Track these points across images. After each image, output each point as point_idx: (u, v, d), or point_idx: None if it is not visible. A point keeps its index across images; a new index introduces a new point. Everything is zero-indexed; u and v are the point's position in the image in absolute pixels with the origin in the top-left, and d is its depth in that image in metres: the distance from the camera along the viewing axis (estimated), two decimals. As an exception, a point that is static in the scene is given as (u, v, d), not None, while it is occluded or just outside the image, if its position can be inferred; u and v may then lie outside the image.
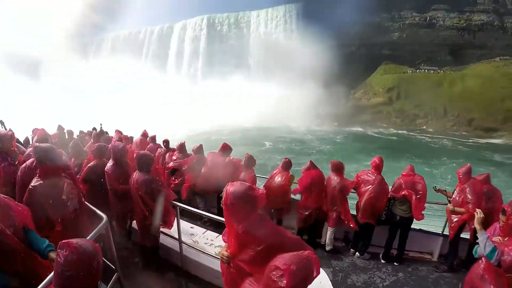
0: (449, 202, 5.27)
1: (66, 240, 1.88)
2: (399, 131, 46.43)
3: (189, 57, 65.69)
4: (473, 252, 3.40)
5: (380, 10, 57.36)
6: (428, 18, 57.12)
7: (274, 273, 1.72)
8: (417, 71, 54.49)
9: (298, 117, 49.04)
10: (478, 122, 44.13)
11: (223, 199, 2.27)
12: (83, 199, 3.65)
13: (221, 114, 49.50)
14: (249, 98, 52.78)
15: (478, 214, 3.57)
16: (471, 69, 51.18)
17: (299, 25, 61.51)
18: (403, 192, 5.32)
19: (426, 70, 54.12)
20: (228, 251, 2.40)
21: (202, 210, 6.31)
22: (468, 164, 5.33)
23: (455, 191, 5.30)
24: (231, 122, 47.04)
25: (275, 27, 63.19)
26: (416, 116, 47.96)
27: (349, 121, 49.80)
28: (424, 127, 46.62)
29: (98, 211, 3.49)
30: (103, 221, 3.17)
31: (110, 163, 4.79)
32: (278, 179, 6.09)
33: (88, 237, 2.70)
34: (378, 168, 5.54)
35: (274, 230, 2.28)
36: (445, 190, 5.63)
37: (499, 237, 3.38)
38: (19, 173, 3.74)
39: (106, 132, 10.57)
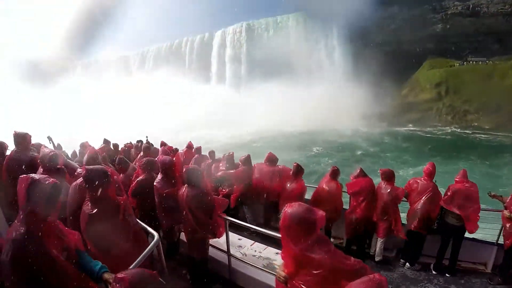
0: (505, 208, 5.02)
1: (122, 274, 2.00)
2: (451, 129, 45.08)
3: (231, 64, 67.00)
4: None
5: (420, 1, 55.47)
6: (471, 6, 54.23)
7: None
8: (465, 63, 52.28)
9: (344, 119, 48.37)
10: None
11: (280, 220, 2.27)
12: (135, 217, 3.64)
13: (265, 120, 49.61)
14: (292, 102, 52.60)
15: (507, 213, 3.70)
16: None
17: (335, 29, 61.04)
18: (455, 210, 5.17)
19: (474, 62, 51.87)
20: (285, 271, 2.36)
21: (249, 221, 6.71)
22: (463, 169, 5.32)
23: (511, 196, 5.02)
24: (275, 127, 47.31)
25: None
26: (466, 111, 46.38)
27: (397, 120, 49.08)
28: (476, 123, 44.85)
29: (149, 229, 3.55)
30: (155, 239, 3.24)
31: (159, 177, 4.83)
32: (327, 188, 6.07)
33: (140, 256, 2.83)
34: (430, 175, 5.47)
35: (333, 254, 2.20)
36: (501, 196, 5.29)
37: None
38: (70, 192, 3.75)
39: (152, 145, 10.62)
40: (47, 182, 2.37)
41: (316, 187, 6.38)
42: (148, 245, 3.12)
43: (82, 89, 67.64)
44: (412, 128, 47.18)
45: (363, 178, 5.83)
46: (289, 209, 2.24)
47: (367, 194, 5.69)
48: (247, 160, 6.95)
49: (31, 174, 2.43)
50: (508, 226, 4.87)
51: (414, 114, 49.44)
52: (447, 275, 5.49)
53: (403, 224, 5.76)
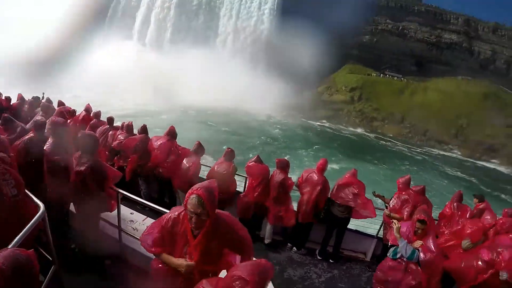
0: (386, 207, 5.64)
1: None
2: (358, 131, 47.22)
3: (156, 28, 62.69)
4: (391, 255, 4.04)
5: (356, 11, 56.02)
6: (401, 27, 58.29)
7: (237, 282, 1.69)
8: (381, 75, 55.62)
9: (259, 103, 47.53)
10: (432, 134, 46.14)
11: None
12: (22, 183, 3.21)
13: (180, 91, 46.93)
14: (211, 76, 50.81)
15: (396, 224, 4.29)
16: (433, 82, 52.73)
17: (273, 13, 60.25)
18: (341, 201, 5.51)
19: (390, 76, 55.48)
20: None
21: (144, 194, 6.63)
22: (408, 175, 5.74)
23: (393, 198, 5.60)
24: (190, 101, 44.75)
25: (248, 13, 61.30)
26: (373, 118, 48.75)
27: (310, 114, 49.72)
28: (380, 130, 47.47)
29: (34, 198, 3.17)
30: (40, 211, 2.87)
31: (49, 140, 4.35)
32: (220, 169, 6.03)
33: (24, 230, 2.49)
34: (322, 170, 5.74)
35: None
36: (383, 196, 5.97)
37: (419, 241, 3.95)
38: None
39: (51, 102, 9.60)
40: None
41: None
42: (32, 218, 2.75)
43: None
44: (323, 124, 48.37)
45: (261, 164, 5.95)
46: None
47: (262, 179, 5.77)
48: (144, 129, 6.80)
49: None
50: (388, 223, 5.42)
51: (327, 112, 50.68)
52: (330, 260, 5.80)
53: (295, 211, 5.87)
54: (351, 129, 47.66)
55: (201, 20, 61.88)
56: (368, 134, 46.27)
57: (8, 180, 2.99)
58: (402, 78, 54.51)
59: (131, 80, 49.02)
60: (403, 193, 5.48)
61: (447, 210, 5.59)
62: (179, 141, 6.67)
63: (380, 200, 6.13)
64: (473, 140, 44.82)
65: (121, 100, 43.38)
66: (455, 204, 5.54)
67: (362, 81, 52.90)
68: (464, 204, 5.56)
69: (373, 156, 34.34)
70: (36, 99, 10.50)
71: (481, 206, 5.57)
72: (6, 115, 5.60)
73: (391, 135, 46.20)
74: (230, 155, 6.10)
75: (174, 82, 48.78)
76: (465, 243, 4.34)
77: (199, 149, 6.23)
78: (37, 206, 2.98)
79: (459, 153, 44.25)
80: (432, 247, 3.80)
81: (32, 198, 3.20)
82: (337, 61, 54.68)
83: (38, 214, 2.81)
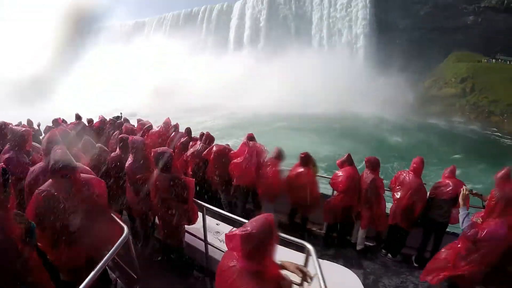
0: (483, 206, 4.90)
1: None
2: (474, 128, 42.81)
3: (249, 35, 65.52)
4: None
5: None
6: (505, 1, 52.14)
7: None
8: (493, 60, 50.57)
9: (365, 106, 46.68)
10: None
11: None
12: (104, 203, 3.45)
13: (278, 96, 48.61)
14: (309, 80, 51.52)
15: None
16: None
17: (363, 4, 58.93)
18: (445, 194, 5.19)
19: (503, 61, 50.17)
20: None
21: (223, 203, 6.84)
22: (507, 168, 5.01)
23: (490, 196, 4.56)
24: (289, 106, 45.88)
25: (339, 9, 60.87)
26: (491, 112, 44.08)
27: (418, 112, 47.41)
28: (500, 126, 42.27)
29: (119, 221, 3.43)
30: (125, 233, 3.11)
31: (129, 160, 4.65)
32: (300, 173, 5.99)
33: (108, 254, 2.76)
34: (417, 170, 5.41)
35: None
36: (481, 194, 5.25)
37: (480, 218, 3.70)
38: (27, 178, 3.67)
39: (128, 121, 10.44)
40: None
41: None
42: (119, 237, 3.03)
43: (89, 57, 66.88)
44: (435, 122, 44.77)
45: (350, 166, 5.82)
46: None
47: (351, 183, 5.65)
48: (211, 139, 7.11)
49: None
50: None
51: (438, 107, 47.58)
52: None
53: (386, 214, 5.76)
54: (465, 126, 43.32)
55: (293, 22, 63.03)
56: (485, 132, 41.51)
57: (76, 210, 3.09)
58: None
59: (240, 85, 52.69)
60: (504, 187, 4.40)
61: None
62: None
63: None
64: None
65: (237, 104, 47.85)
66: None
67: (472, 70, 48.06)
68: None
69: (495, 155, 30.82)
70: (116, 118, 11.36)
71: None
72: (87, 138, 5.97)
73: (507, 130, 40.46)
74: (306, 160, 6.04)
75: (271, 87, 50.66)
76: None
77: (279, 156, 6.24)
78: (122, 228, 3.19)
79: None
80: (494, 228, 3.41)
81: (117, 221, 3.43)
82: (441, 50, 51.80)
83: (123, 236, 3.03)
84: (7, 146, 4.32)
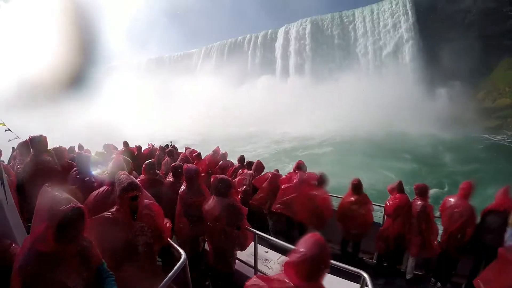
0: None
1: None
2: None
3: (295, 61, 66.85)
4: None
5: None
6: None
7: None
8: None
9: (414, 122, 45.40)
10: None
11: None
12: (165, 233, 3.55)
13: (327, 121, 49.13)
14: (357, 101, 51.57)
15: None
16: None
17: (406, 19, 58.45)
18: (496, 217, 5.06)
19: None
20: None
21: (271, 230, 6.82)
22: None
23: None
24: (338, 130, 46.51)
25: (383, 23, 60.86)
26: None
27: (473, 127, 44.97)
28: None
29: (177, 246, 3.49)
30: (182, 258, 3.19)
31: (183, 186, 4.82)
32: (352, 202, 6.10)
33: (167, 278, 2.82)
34: (466, 195, 5.39)
35: None
36: None
37: None
38: (90, 200, 3.84)
39: (176, 149, 10.95)
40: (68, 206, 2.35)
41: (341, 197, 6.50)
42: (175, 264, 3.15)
43: (140, 88, 71.58)
44: (492, 137, 42.49)
45: (400, 193, 5.79)
46: None
47: (401, 211, 5.65)
48: (258, 166, 7.31)
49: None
50: None
51: (494, 121, 45.29)
52: None
53: (439, 242, 5.69)
54: None
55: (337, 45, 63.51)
56: None
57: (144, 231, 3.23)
58: None
59: (286, 113, 53.46)
60: None
61: None
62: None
63: None
64: None
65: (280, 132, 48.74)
66: None
67: None
68: None
69: None
70: (166, 146, 11.91)
71: None
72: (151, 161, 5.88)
73: None
74: (358, 187, 6.07)
75: (318, 113, 51.57)
76: None
77: (323, 181, 6.28)
78: (179, 253, 3.29)
79: None
80: None
81: (174, 246, 3.52)
82: (491, 58, 49.22)
83: (180, 261, 3.13)
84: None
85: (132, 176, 3.37)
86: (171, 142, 13.04)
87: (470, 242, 5.34)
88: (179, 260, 3.17)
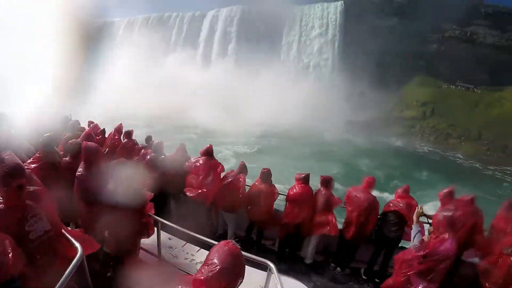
0: (430, 224, 5.06)
1: None
2: (433, 148, 45.15)
3: (220, 47, 64.70)
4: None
5: (421, 18, 55.54)
6: (468, 33, 55.40)
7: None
8: (452, 87, 53.33)
9: (328, 124, 47.38)
10: None
11: None
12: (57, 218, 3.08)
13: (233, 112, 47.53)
14: (281, 96, 51.37)
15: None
16: (509, 91, 48.91)
17: (334, 26, 60.34)
18: (392, 208, 5.46)
19: (462, 87, 52.96)
20: None
21: (174, 213, 6.46)
22: (451, 187, 5.41)
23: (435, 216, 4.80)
24: (252, 122, 45.17)
25: (311, 28, 61.79)
26: (449, 135, 46.76)
27: (382, 132, 48.52)
28: (457, 148, 44.94)
29: (72, 239, 3.07)
30: (79, 253, 2.85)
31: (81, 167, 4.24)
32: (260, 190, 6.07)
33: (63, 276, 2.50)
34: (369, 187, 5.69)
35: None
36: (427, 214, 5.50)
37: (428, 236, 3.89)
38: None
39: (79, 123, 9.57)
40: None
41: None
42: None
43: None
44: (395, 142, 46.77)
45: (303, 184, 5.89)
46: None
47: (303, 201, 5.77)
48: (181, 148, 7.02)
49: None
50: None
51: (399, 129, 49.45)
52: (377, 280, 5.52)
53: (340, 230, 5.83)
54: (426, 148, 45.48)
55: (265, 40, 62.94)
56: (445, 153, 43.84)
57: (37, 216, 2.77)
58: (475, 89, 51.83)
59: (198, 99, 51.08)
60: (448, 206, 4.94)
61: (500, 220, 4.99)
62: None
63: None
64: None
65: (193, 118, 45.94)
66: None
67: (433, 95, 50.97)
68: None
69: (445, 174, 31.50)
70: (66, 119, 9.98)
71: None
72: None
73: (468, 154, 42.99)
74: (267, 175, 6.12)
75: (238, 101, 49.99)
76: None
77: (243, 170, 6.30)
78: (75, 248, 2.92)
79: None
80: (441, 244, 3.61)
81: (69, 238, 3.10)
82: (404, 74, 53.72)
83: (77, 256, 2.78)
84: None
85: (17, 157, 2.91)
86: (70, 114, 11.00)
87: (373, 232, 5.63)
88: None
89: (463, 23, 55.88)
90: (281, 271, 5.19)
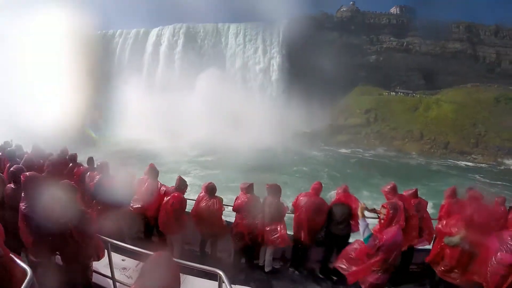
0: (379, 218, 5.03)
1: None
2: (380, 151, 47.20)
3: (164, 64, 63.33)
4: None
5: (359, 32, 58.45)
6: (405, 43, 59.04)
7: None
8: (392, 93, 56.28)
9: (276, 137, 46.82)
10: (453, 146, 46.40)
11: None
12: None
13: (186, 129, 47.06)
14: (225, 112, 50.53)
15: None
16: (444, 94, 53.46)
17: (276, 43, 61.40)
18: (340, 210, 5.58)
19: (401, 93, 56.03)
20: None
21: (127, 234, 6.37)
22: (392, 182, 5.53)
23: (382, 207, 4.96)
24: (198, 139, 44.74)
25: (254, 42, 62.47)
26: (393, 138, 49.04)
27: (329, 141, 49.94)
28: (402, 148, 47.60)
29: (20, 263, 2.97)
30: (28, 277, 2.73)
31: (23, 195, 4.05)
32: (205, 204, 5.94)
33: None
34: (317, 192, 5.82)
35: None
36: (374, 208, 5.36)
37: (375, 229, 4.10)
38: None
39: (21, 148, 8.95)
40: None
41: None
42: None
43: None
44: (343, 149, 47.96)
45: (248, 195, 5.93)
46: None
47: (250, 209, 5.79)
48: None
49: None
50: None
51: (345, 136, 50.92)
52: (333, 277, 5.62)
53: (289, 234, 5.86)
54: (372, 152, 47.36)
55: (208, 55, 62.67)
56: (391, 154, 46.09)
57: None
58: (414, 94, 55.19)
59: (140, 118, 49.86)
60: (394, 200, 5.16)
61: (443, 207, 5.79)
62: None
63: None
64: (493, 146, 45.29)
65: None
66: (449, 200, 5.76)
67: (375, 102, 53.69)
68: (461, 199, 5.66)
69: (413, 178, 32.06)
70: (6, 144, 9.64)
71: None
72: None
73: (413, 153, 46.19)
74: (212, 190, 6.00)
75: (180, 119, 48.90)
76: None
77: (182, 183, 6.08)
78: (24, 271, 2.81)
79: (483, 160, 44.29)
80: (390, 234, 3.81)
81: (17, 262, 2.95)
82: (347, 84, 55.50)
83: (26, 280, 2.66)
84: None
85: None
86: (11, 139, 10.50)
87: (324, 234, 5.72)
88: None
89: (400, 35, 59.59)
90: (239, 281, 5.39)
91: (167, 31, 65.41)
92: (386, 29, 60.39)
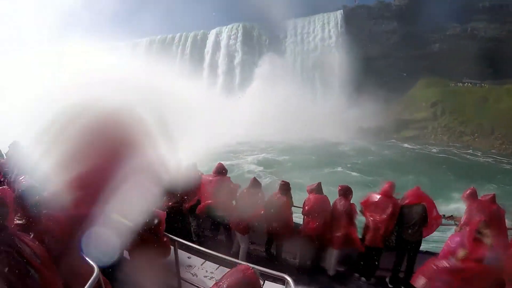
0: (456, 225, 5.33)
1: None
2: (448, 149, 44.12)
3: (224, 65, 65.03)
4: None
5: (419, 20, 55.66)
6: (469, 29, 55.48)
7: None
8: (459, 84, 53.35)
9: (339, 132, 47.46)
10: None
11: None
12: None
13: (258, 127, 47.55)
14: (291, 109, 51.35)
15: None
16: None
17: (336, 35, 60.94)
18: (407, 201, 5.54)
19: (469, 84, 53.01)
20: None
21: (194, 232, 6.71)
22: (472, 187, 5.45)
23: (464, 215, 5.27)
24: (271, 136, 45.76)
25: (313, 36, 62.48)
26: (462, 133, 46.56)
27: (393, 136, 49.00)
28: (472, 145, 44.69)
29: (88, 260, 3.09)
30: (95, 273, 2.90)
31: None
32: (276, 203, 6.02)
33: None
34: (388, 193, 5.63)
35: None
36: (452, 215, 5.59)
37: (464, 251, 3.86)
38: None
39: None
40: None
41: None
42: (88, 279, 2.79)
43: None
44: (409, 145, 46.14)
45: (317, 194, 5.92)
46: None
47: (320, 210, 5.76)
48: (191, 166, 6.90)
49: None
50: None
51: (411, 132, 49.42)
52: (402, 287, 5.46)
53: (360, 238, 5.78)
54: (440, 147, 44.57)
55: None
56: (460, 151, 43.11)
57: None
58: (483, 84, 51.74)
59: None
60: (473, 205, 5.22)
61: None
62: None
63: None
64: None
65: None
66: None
67: (441, 94, 50.85)
68: None
69: (466, 174, 31.16)
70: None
71: None
72: None
73: (484, 150, 42.52)
74: (285, 188, 6.09)
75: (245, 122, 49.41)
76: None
77: (255, 185, 6.22)
78: (92, 267, 2.96)
79: None
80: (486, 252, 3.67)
81: (85, 259, 3.09)
82: (410, 76, 53.86)
83: (93, 277, 2.80)
84: None
85: None
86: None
87: (394, 238, 5.58)
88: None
89: (462, 19, 55.88)
90: (303, 284, 5.41)
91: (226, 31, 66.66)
92: (448, 14, 55.64)
